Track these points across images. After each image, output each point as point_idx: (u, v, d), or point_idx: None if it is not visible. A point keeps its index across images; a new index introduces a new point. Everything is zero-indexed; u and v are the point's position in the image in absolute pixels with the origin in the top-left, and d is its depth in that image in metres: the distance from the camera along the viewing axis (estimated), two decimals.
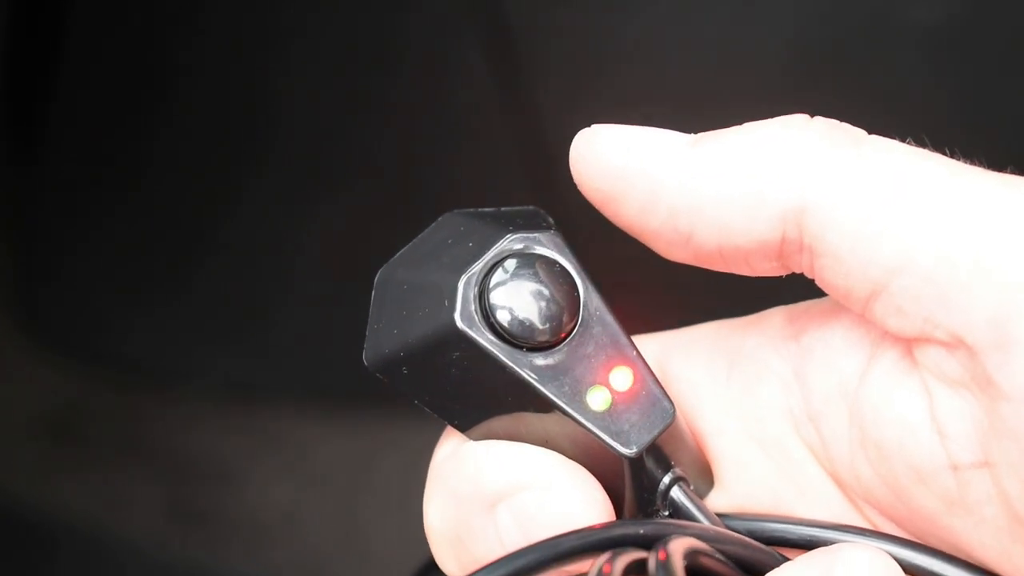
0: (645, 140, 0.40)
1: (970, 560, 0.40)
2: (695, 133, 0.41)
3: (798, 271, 0.40)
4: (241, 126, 0.97)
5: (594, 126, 0.41)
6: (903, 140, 0.40)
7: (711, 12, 0.85)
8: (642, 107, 0.82)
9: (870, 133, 0.40)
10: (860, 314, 0.39)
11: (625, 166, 0.40)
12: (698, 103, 0.81)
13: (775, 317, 0.43)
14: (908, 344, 0.39)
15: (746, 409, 0.42)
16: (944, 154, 0.39)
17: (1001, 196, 0.37)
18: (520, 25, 0.88)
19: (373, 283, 0.42)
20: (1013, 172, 0.39)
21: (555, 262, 0.41)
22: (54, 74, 0.98)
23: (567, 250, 0.42)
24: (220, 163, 0.98)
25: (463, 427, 0.42)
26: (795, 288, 0.42)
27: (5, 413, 1.02)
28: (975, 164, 0.39)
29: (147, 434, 1.02)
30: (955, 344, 0.37)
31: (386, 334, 0.41)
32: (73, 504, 1.00)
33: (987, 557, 0.39)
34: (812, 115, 0.40)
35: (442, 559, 0.42)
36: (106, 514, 0.99)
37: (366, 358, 0.42)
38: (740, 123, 0.41)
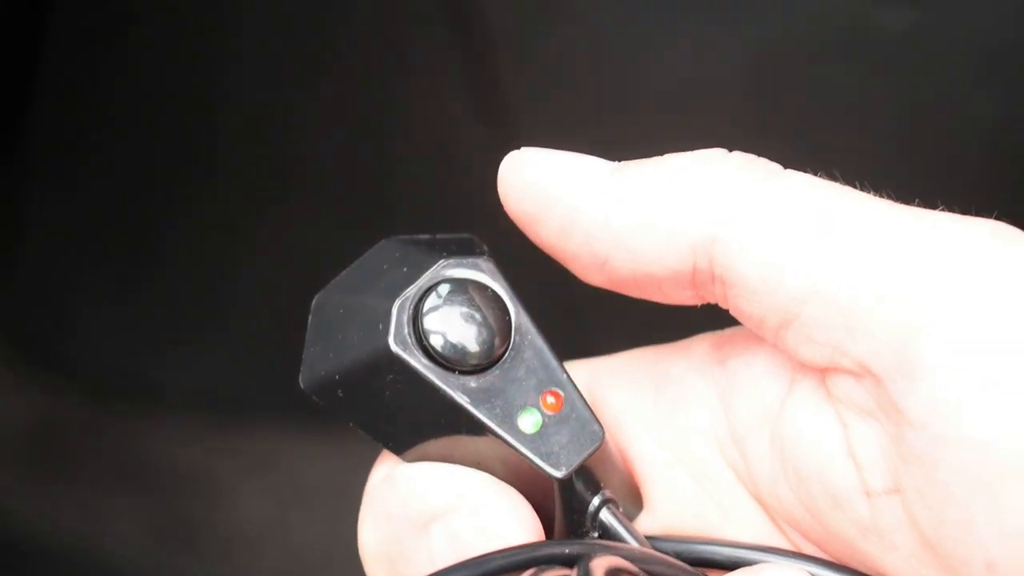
0: (567, 165, 0.41)
1: None
2: (655, 154, 0.42)
3: (712, 301, 0.41)
4: (207, 133, 0.97)
5: (522, 149, 0.42)
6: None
7: (679, 28, 0.85)
8: (606, 130, 0.82)
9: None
10: (773, 343, 0.40)
11: (546, 190, 0.41)
12: (664, 123, 0.82)
13: (701, 343, 0.44)
14: (821, 374, 0.40)
15: (673, 433, 0.43)
16: (854, 187, 0.40)
17: (902, 228, 0.38)
18: (486, 40, 0.88)
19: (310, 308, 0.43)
20: (919, 205, 0.39)
21: (487, 287, 0.42)
22: (46, 85, 0.98)
23: (499, 276, 0.43)
24: (204, 187, 0.99)
25: (398, 449, 0.43)
26: (723, 316, 0.43)
27: None
28: (882, 196, 0.40)
29: (129, 450, 1.02)
30: (862, 373, 0.38)
31: (322, 357, 0.42)
32: (55, 520, 1.00)
33: None
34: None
35: None
36: (88, 530, 1.00)
37: (302, 380, 0.43)
38: (696, 145, 0.42)
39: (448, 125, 0.91)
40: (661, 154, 0.42)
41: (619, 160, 0.42)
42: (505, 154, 0.43)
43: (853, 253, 0.38)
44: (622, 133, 0.77)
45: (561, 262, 0.42)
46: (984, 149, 0.84)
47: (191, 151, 0.97)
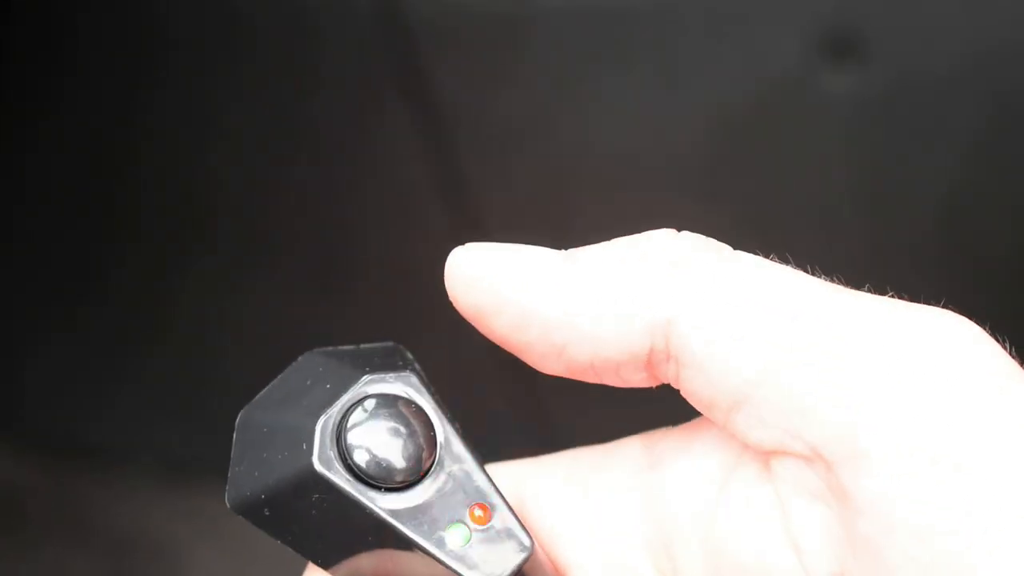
0: (516, 259, 0.41)
1: None
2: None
3: (665, 381, 0.41)
4: (180, 206, 0.97)
5: (467, 244, 0.42)
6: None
7: (629, 93, 0.86)
8: (570, 193, 0.83)
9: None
10: (722, 426, 0.40)
11: (497, 286, 0.41)
12: (616, 185, 0.82)
13: (631, 446, 0.44)
14: (766, 458, 0.40)
15: (601, 539, 0.43)
16: (805, 270, 0.40)
17: (856, 312, 0.38)
18: (450, 107, 0.88)
19: (234, 425, 0.43)
20: (869, 290, 0.40)
21: (412, 402, 0.42)
22: None
23: (424, 389, 0.42)
24: (161, 247, 0.99)
25: (326, 565, 0.42)
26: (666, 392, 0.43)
27: None
28: (833, 280, 0.40)
29: (88, 512, 1.02)
30: (812, 457, 0.38)
31: (247, 476, 0.42)
32: None
33: None
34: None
35: None
36: None
37: (228, 500, 0.42)
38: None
39: (408, 194, 0.92)
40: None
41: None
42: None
43: (806, 337, 0.38)
44: (576, 197, 0.77)
45: (516, 354, 0.42)
46: (935, 202, 0.84)
47: (125, 210, 0.97)
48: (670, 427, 0.43)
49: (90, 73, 0.96)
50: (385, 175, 0.93)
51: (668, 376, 0.41)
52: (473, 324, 0.42)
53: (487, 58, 0.88)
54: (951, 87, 0.83)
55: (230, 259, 0.98)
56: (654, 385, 0.42)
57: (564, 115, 0.88)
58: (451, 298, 0.42)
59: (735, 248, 0.41)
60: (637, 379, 0.41)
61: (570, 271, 0.41)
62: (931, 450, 0.36)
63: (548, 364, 0.42)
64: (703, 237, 0.41)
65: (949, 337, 0.38)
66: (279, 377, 0.43)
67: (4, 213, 1.01)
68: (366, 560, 0.42)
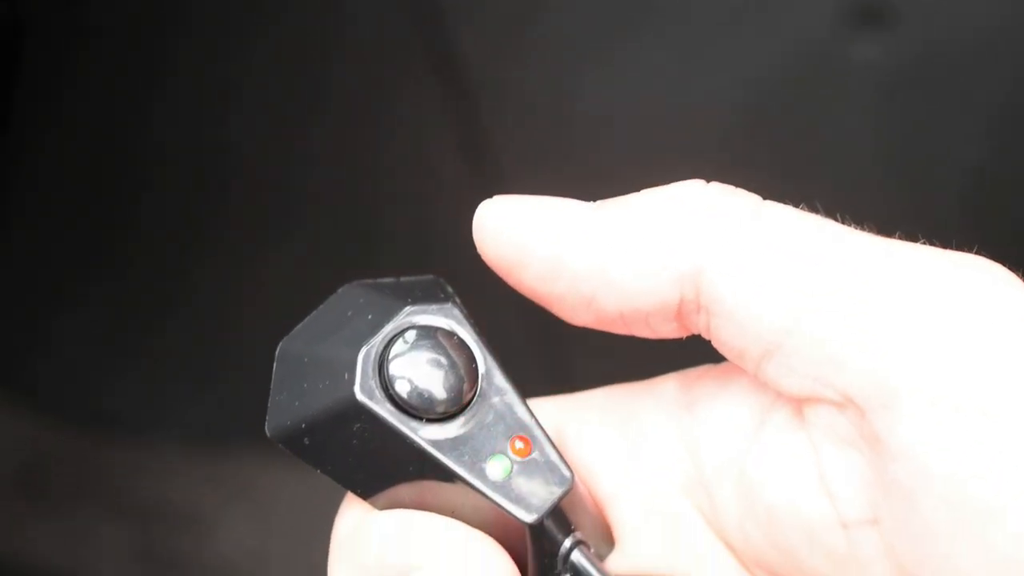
0: (545, 209, 0.41)
1: None
2: (634, 186, 0.42)
3: (696, 332, 0.41)
4: (198, 176, 0.97)
5: (495, 197, 0.42)
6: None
7: (656, 61, 0.86)
8: (590, 155, 0.82)
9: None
10: (753, 375, 0.40)
11: (526, 236, 0.41)
12: (642, 153, 0.82)
13: (668, 384, 0.44)
14: (799, 405, 0.40)
15: (640, 476, 0.43)
16: (835, 219, 0.40)
17: (887, 259, 0.38)
18: (474, 77, 0.88)
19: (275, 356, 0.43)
20: (900, 238, 0.40)
21: (453, 333, 0.42)
22: (12, 114, 0.98)
23: (465, 321, 0.42)
24: (183, 217, 0.99)
25: (366, 495, 0.42)
26: (697, 344, 0.43)
27: None
28: (864, 229, 0.40)
29: (111, 480, 1.02)
30: (845, 404, 0.38)
31: (288, 405, 0.42)
32: (43, 553, 1.00)
33: None
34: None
35: None
36: (75, 562, 1.00)
37: (268, 429, 0.42)
38: (673, 175, 0.42)
39: (431, 161, 0.92)
40: (640, 186, 0.42)
41: (595, 194, 0.42)
42: (487, 189, 0.43)
43: (838, 285, 0.38)
44: (600, 165, 0.77)
45: (545, 305, 0.42)
46: (962, 172, 0.84)
47: (180, 189, 0.97)
48: (707, 366, 0.43)
49: (106, 39, 0.96)
50: (407, 143, 0.93)
51: (698, 326, 0.41)
52: (502, 277, 0.42)
53: (512, 23, 0.88)
54: (980, 54, 0.83)
55: (252, 227, 0.98)
56: (683, 336, 0.42)
57: (589, 81, 0.88)
58: (480, 251, 0.42)
59: None
60: (667, 329, 0.41)
61: (599, 222, 0.41)
62: (960, 396, 0.36)
63: (578, 315, 0.42)
64: (732, 187, 0.41)
65: (980, 281, 0.38)
66: (318, 309, 0.43)
67: (27, 184, 1.01)
68: (406, 491, 0.42)
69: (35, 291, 1.03)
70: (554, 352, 0.81)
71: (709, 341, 0.41)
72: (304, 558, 0.96)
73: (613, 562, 0.44)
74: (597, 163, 0.83)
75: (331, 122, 0.94)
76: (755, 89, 0.86)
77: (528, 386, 0.43)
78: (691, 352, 0.45)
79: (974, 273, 0.38)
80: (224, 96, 0.95)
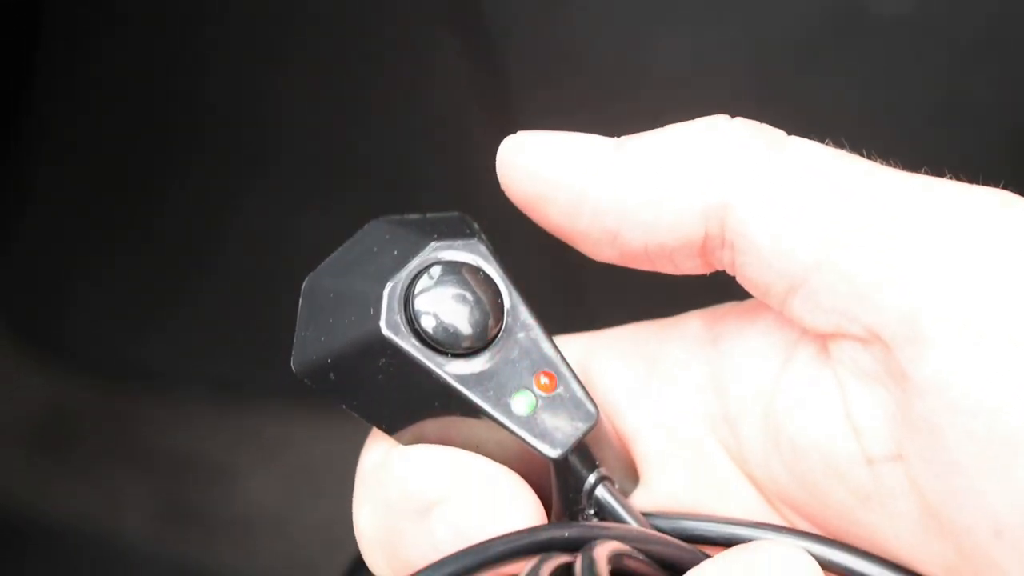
0: (569, 145, 0.41)
1: (884, 555, 0.40)
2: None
3: (720, 268, 0.41)
4: (226, 131, 0.97)
5: (519, 133, 0.42)
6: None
7: (681, 13, 0.85)
8: (613, 108, 0.82)
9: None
10: (779, 311, 0.40)
11: (549, 171, 0.41)
12: (665, 106, 0.82)
13: (693, 321, 0.44)
14: (824, 341, 0.40)
15: (665, 411, 0.43)
16: (861, 155, 0.40)
17: (913, 194, 0.38)
18: (498, 29, 0.88)
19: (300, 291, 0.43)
20: (927, 172, 0.39)
21: (479, 269, 0.42)
22: (40, 74, 0.99)
23: (491, 257, 0.42)
24: (205, 166, 0.99)
25: (391, 431, 0.42)
26: (721, 283, 0.43)
27: None
28: (890, 164, 0.39)
29: (137, 434, 1.03)
30: (870, 339, 0.38)
31: (313, 341, 0.42)
32: (65, 506, 1.01)
33: (901, 551, 0.40)
34: (774, 115, 0.41)
35: (373, 564, 0.43)
36: (98, 515, 1.00)
37: (294, 364, 0.42)
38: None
39: (452, 109, 0.91)
40: None
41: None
42: (508, 134, 0.43)
43: (862, 221, 0.38)
44: (624, 116, 0.77)
45: (568, 242, 0.42)
46: (982, 126, 0.84)
47: (200, 143, 0.98)
48: (731, 303, 0.43)
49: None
50: (434, 100, 0.93)
51: (723, 262, 0.41)
52: (526, 213, 0.42)
53: None
54: (1018, 6, 0.82)
55: (285, 184, 0.98)
56: (708, 272, 0.42)
57: (614, 40, 0.88)
58: (503, 187, 0.42)
59: None
60: (691, 265, 0.41)
61: (623, 156, 0.41)
62: (988, 325, 0.36)
63: (602, 251, 0.42)
64: (756, 123, 0.41)
65: (1008, 214, 0.38)
66: (344, 244, 0.43)
67: (56, 139, 1.01)
68: (431, 426, 0.42)
69: (63, 248, 1.03)
70: (577, 298, 0.81)
71: (733, 277, 0.41)
72: (331, 513, 0.96)
73: (638, 498, 0.44)
74: (622, 121, 0.83)
75: (359, 80, 0.94)
76: (782, 43, 0.85)
77: (551, 328, 0.43)
78: (713, 295, 0.44)
79: (1003, 207, 0.38)
80: (247, 48, 0.95)
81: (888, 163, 0.40)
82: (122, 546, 0.99)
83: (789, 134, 0.41)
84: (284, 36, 0.95)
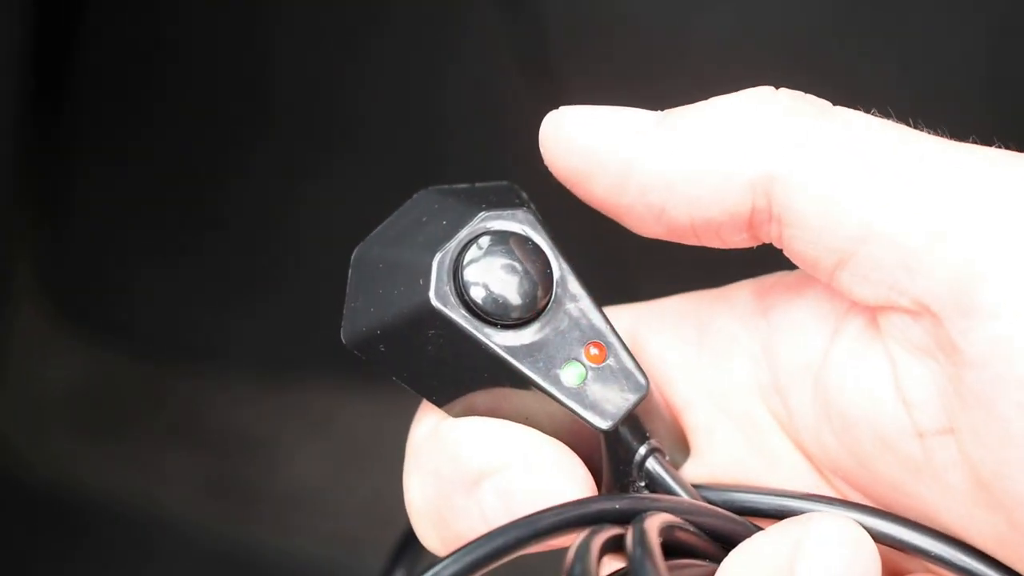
0: (613, 119, 0.41)
1: (935, 526, 0.40)
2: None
3: (767, 241, 0.41)
4: (258, 96, 0.97)
5: (562, 108, 0.42)
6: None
7: None
8: (652, 84, 0.82)
9: (876, 98, 0.40)
10: (827, 284, 0.40)
11: (594, 146, 0.41)
12: (709, 75, 0.81)
13: (743, 291, 0.43)
14: (873, 313, 0.40)
15: (716, 382, 0.43)
16: (908, 124, 0.39)
17: (962, 164, 0.38)
18: (538, 7, 0.88)
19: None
20: (975, 142, 0.39)
21: (528, 239, 0.42)
22: (73, 59, 0.99)
23: (540, 227, 0.42)
24: (252, 144, 0.99)
25: (441, 402, 0.42)
26: (765, 258, 0.42)
27: (40, 393, 1.03)
28: (937, 135, 0.39)
29: (187, 411, 1.03)
30: (920, 311, 0.38)
31: (363, 312, 0.42)
32: (114, 480, 1.01)
33: (951, 522, 0.39)
34: (820, 84, 0.41)
35: (424, 535, 0.43)
36: (147, 490, 1.01)
37: (344, 335, 0.42)
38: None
39: (496, 81, 0.91)
40: (707, 99, 0.41)
41: (660, 108, 0.42)
42: (550, 105, 0.42)
43: (912, 191, 0.38)
44: (667, 86, 0.76)
45: (614, 217, 0.42)
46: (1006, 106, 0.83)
47: (238, 118, 0.98)
48: (780, 273, 0.43)
49: None
50: (470, 59, 0.92)
51: (770, 236, 0.40)
52: (570, 189, 0.42)
53: None
54: None
55: (317, 152, 0.98)
56: (754, 245, 0.41)
57: (658, 5, 0.87)
58: (547, 163, 0.42)
59: None
60: (737, 239, 0.41)
61: (667, 130, 0.40)
62: None
63: (647, 227, 0.41)
64: (802, 93, 0.40)
65: None
66: (394, 214, 0.43)
67: (111, 117, 1.02)
68: (480, 398, 0.42)
69: (114, 228, 1.03)
70: (622, 269, 0.81)
71: (780, 250, 0.41)
72: (378, 490, 0.97)
73: (688, 469, 0.44)
74: (665, 84, 0.82)
75: (392, 39, 0.93)
76: (821, 13, 0.84)
77: (599, 300, 0.43)
78: (760, 264, 0.44)
79: None
80: (279, 15, 0.95)
81: (933, 131, 0.40)
82: (170, 522, 1.00)
83: (834, 102, 0.41)
84: (350, 20, 0.94)
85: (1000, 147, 0.39)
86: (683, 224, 0.41)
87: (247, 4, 0.95)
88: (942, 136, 0.39)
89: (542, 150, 0.42)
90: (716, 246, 0.41)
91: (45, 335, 1.04)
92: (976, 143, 0.39)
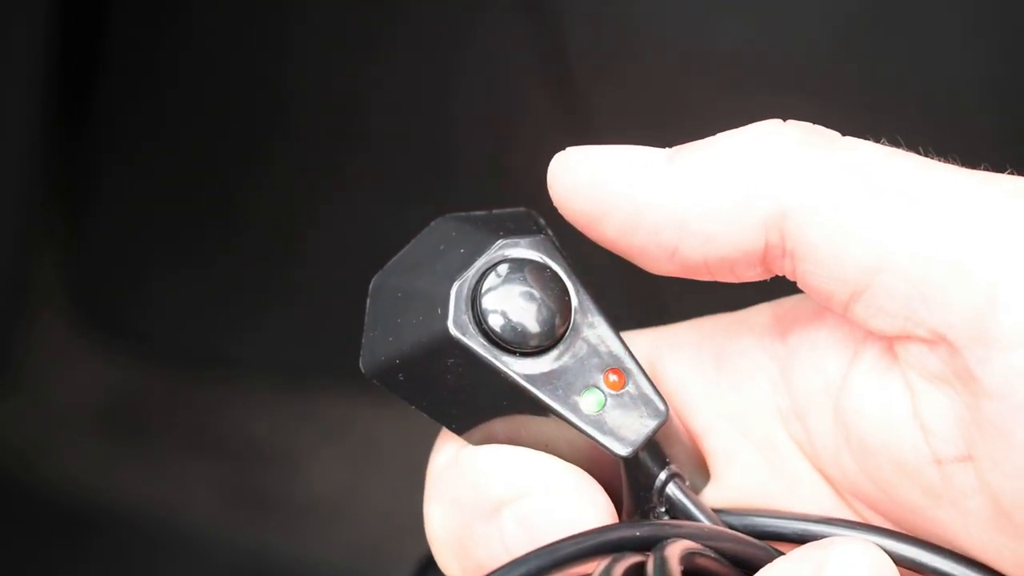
0: (621, 159, 0.41)
1: (957, 551, 0.40)
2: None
3: (781, 274, 0.41)
4: (274, 106, 0.97)
5: (569, 149, 0.42)
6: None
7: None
8: (671, 90, 0.82)
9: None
10: (842, 315, 0.40)
11: (603, 187, 0.41)
12: (725, 91, 0.81)
13: (761, 315, 0.43)
14: (890, 342, 0.40)
15: (735, 407, 0.43)
16: (919, 153, 0.39)
17: (975, 193, 0.38)
18: (552, 9, 0.88)
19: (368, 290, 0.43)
20: (987, 169, 0.39)
21: (546, 266, 0.42)
22: (96, 72, 0.99)
23: (558, 254, 0.42)
24: (270, 155, 0.99)
25: (461, 431, 0.42)
26: (781, 283, 0.42)
27: (57, 401, 1.03)
28: (949, 162, 0.39)
29: (205, 419, 1.03)
30: (936, 341, 0.38)
31: (382, 341, 0.42)
32: (132, 489, 1.01)
33: (973, 548, 0.39)
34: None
35: (445, 564, 0.43)
36: (165, 499, 1.01)
37: (363, 365, 0.42)
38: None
39: (512, 86, 0.91)
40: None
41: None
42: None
43: (926, 221, 0.37)
44: (686, 91, 0.76)
45: (627, 257, 0.41)
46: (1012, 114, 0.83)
47: (258, 124, 0.98)
48: (800, 295, 0.43)
49: None
50: (488, 73, 0.92)
51: (784, 270, 0.40)
52: (581, 231, 0.42)
53: None
54: None
55: (322, 165, 0.98)
56: (767, 278, 0.41)
57: (677, 13, 0.87)
58: (556, 205, 0.42)
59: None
60: (752, 274, 0.41)
61: (676, 169, 0.40)
62: None
63: (660, 266, 0.41)
64: (810, 125, 0.40)
65: None
66: (411, 243, 0.43)
67: (136, 126, 1.02)
68: (500, 425, 0.42)
69: (136, 237, 1.04)
70: (643, 289, 0.81)
71: (795, 283, 0.41)
72: (396, 498, 0.97)
73: (708, 494, 0.44)
74: (685, 95, 0.82)
75: (407, 52, 0.93)
76: (848, 14, 0.84)
77: (619, 324, 0.43)
78: (782, 286, 0.44)
79: None
80: (293, 23, 0.95)
81: (946, 159, 0.39)
82: (188, 531, 1.00)
83: (848, 124, 0.40)
84: (368, 26, 0.94)
85: (1012, 173, 0.39)
86: (696, 262, 0.40)
87: (266, 9, 0.95)
88: (952, 163, 0.39)
89: (551, 192, 0.41)
90: (729, 280, 0.41)
91: (63, 343, 1.04)
92: (988, 170, 0.39)
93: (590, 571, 0.39)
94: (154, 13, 0.97)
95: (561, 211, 0.42)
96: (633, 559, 0.38)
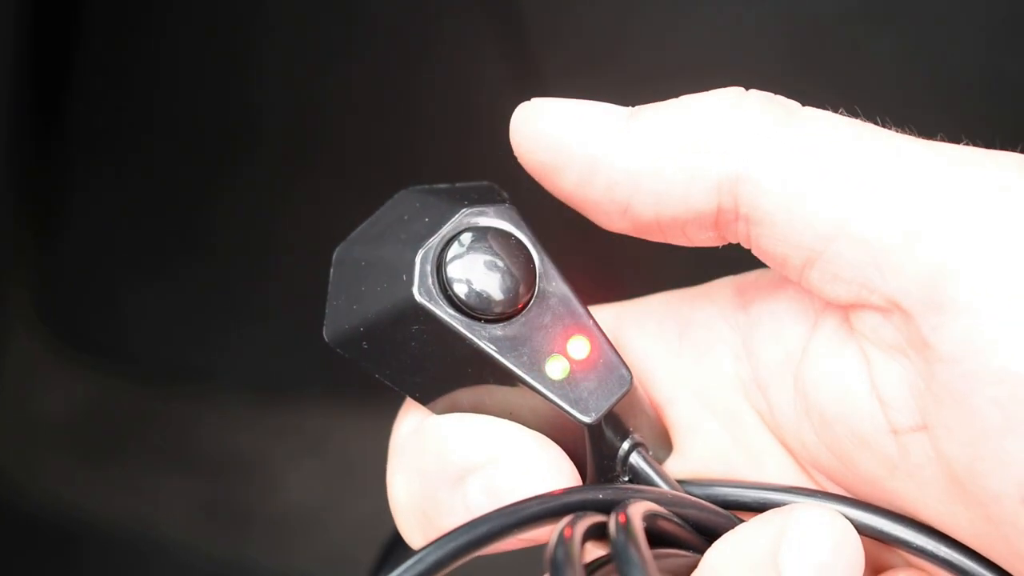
0: (583, 113, 0.41)
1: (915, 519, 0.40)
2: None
3: (735, 241, 0.41)
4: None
5: (534, 100, 0.42)
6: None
7: None
8: (634, 82, 0.82)
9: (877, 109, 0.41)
10: (797, 282, 0.40)
11: (563, 139, 0.41)
12: (693, 88, 0.81)
13: (724, 288, 0.44)
14: (845, 312, 0.40)
15: (698, 378, 0.43)
16: (875, 123, 0.39)
17: (930, 163, 0.38)
18: (527, 19, 0.88)
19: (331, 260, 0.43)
20: (943, 139, 0.39)
21: (510, 235, 0.42)
22: (68, 81, 0.99)
23: (522, 223, 0.42)
24: (243, 160, 0.99)
25: (425, 400, 0.42)
26: (749, 255, 0.42)
27: (35, 417, 1.03)
28: (906, 132, 0.39)
29: (180, 433, 1.03)
30: (890, 309, 0.38)
31: (345, 310, 0.42)
32: (109, 503, 1.01)
33: (930, 516, 0.40)
34: (803, 93, 0.41)
35: (409, 534, 0.43)
36: (141, 513, 1.01)
37: (326, 334, 0.42)
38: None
39: (477, 88, 0.91)
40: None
41: (639, 104, 0.42)
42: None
43: (881, 189, 0.38)
44: (650, 82, 0.76)
45: (580, 211, 0.42)
46: (1017, 102, 0.83)
47: (228, 138, 0.98)
48: (761, 270, 0.43)
49: None
50: (452, 70, 0.92)
51: (737, 235, 0.40)
52: (539, 181, 0.42)
53: None
54: None
55: (293, 174, 0.97)
56: (720, 244, 0.41)
57: (641, 28, 0.87)
58: (516, 154, 0.42)
59: None
60: (704, 238, 0.41)
61: (635, 127, 0.40)
62: (1010, 292, 0.36)
63: (613, 222, 0.41)
64: (771, 94, 0.40)
65: None
66: (375, 214, 0.43)
67: (105, 141, 1.02)
68: (464, 394, 0.42)
69: (108, 251, 1.04)
70: (606, 271, 0.81)
71: (749, 250, 0.41)
72: (373, 510, 0.96)
73: (671, 465, 0.44)
74: (644, 76, 0.82)
75: (373, 48, 0.93)
76: (812, 27, 0.85)
77: (582, 299, 0.43)
78: (743, 262, 0.44)
79: (1021, 170, 0.38)
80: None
81: (902, 130, 0.40)
82: (166, 545, 0.99)
83: (828, 98, 0.41)
84: (331, 35, 0.95)
85: (967, 144, 0.39)
86: (648, 220, 0.41)
87: (235, 19, 0.95)
88: (910, 134, 0.39)
89: (512, 141, 0.42)
90: (682, 243, 0.41)
91: (38, 359, 1.04)
92: (944, 140, 0.39)
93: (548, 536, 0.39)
94: (122, 31, 0.98)
95: (521, 160, 0.42)
96: (594, 518, 0.38)
